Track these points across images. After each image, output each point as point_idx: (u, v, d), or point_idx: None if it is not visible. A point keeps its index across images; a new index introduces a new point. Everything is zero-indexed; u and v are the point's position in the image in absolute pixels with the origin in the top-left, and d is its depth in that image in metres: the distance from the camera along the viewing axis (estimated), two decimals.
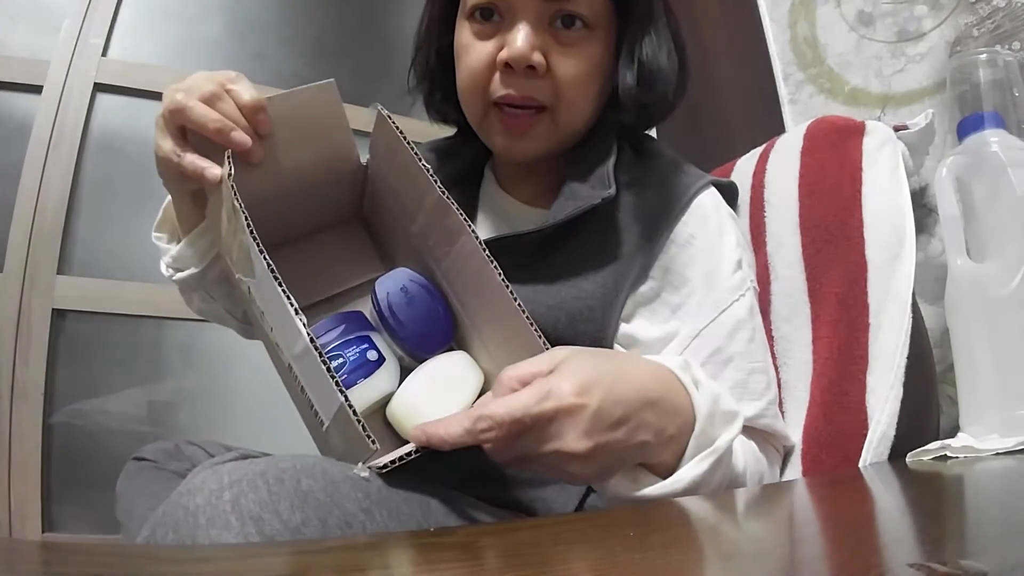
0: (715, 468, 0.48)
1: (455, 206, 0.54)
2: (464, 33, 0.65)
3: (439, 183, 0.55)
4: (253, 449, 0.69)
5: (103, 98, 1.41)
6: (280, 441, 0.60)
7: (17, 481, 1.21)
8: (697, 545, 0.36)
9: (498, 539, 0.37)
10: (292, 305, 0.44)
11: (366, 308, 0.65)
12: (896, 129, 0.77)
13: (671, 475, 0.47)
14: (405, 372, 0.59)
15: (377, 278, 0.62)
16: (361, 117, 1.62)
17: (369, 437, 0.42)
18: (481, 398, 0.50)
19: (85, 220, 1.37)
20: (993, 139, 0.70)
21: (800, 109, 1.13)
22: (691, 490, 0.47)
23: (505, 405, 0.41)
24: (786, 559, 0.31)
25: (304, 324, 0.44)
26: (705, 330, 0.60)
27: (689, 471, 0.47)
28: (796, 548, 0.34)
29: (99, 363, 1.36)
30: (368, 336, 0.60)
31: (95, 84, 1.38)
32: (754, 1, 1.21)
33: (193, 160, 0.52)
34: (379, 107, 0.58)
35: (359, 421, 0.42)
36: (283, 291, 0.44)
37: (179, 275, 0.65)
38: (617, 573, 0.27)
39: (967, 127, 0.73)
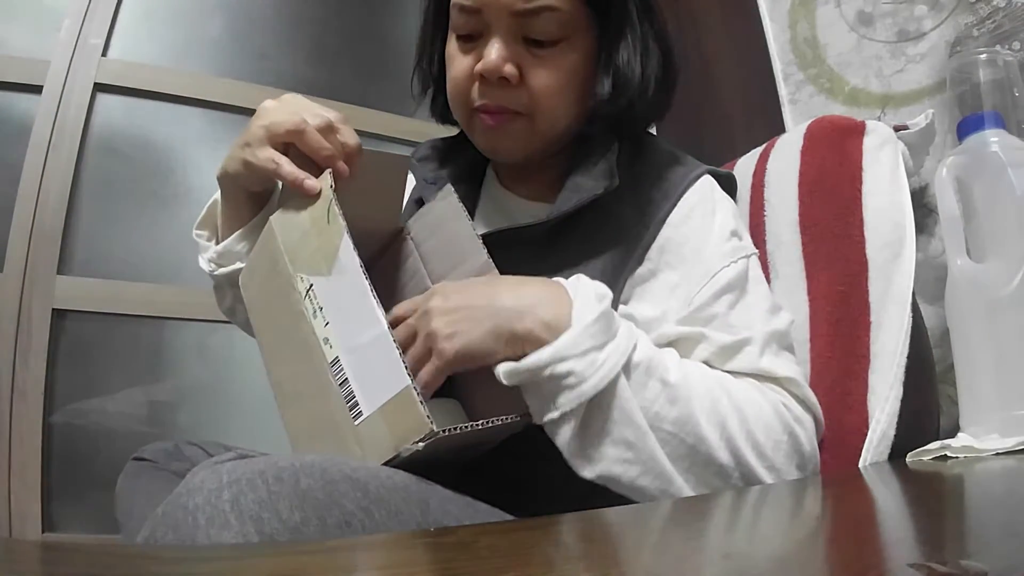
0: (608, 325, 0.51)
1: (495, 270, 0.59)
2: (451, 45, 0.67)
3: (488, 252, 0.60)
4: (252, 449, 0.69)
5: (103, 98, 1.40)
6: (280, 441, 0.60)
7: (17, 481, 1.21)
8: (697, 545, 0.36)
9: (498, 539, 0.37)
10: (375, 297, 0.49)
11: None
12: (896, 129, 0.77)
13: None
14: None
15: None
16: (361, 117, 1.63)
17: (428, 417, 0.45)
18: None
19: (85, 220, 1.37)
20: (993, 139, 0.70)
21: (800, 109, 1.13)
22: (588, 357, 0.50)
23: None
24: (786, 559, 0.31)
25: (383, 312, 0.49)
26: (696, 296, 0.60)
27: (579, 319, 0.51)
28: (796, 548, 0.34)
29: (99, 363, 1.36)
30: None
31: (95, 84, 1.38)
32: (754, 1, 1.21)
33: (295, 172, 0.58)
34: (451, 189, 0.65)
35: (422, 401, 0.46)
36: (370, 285, 0.50)
37: (222, 270, 0.68)
38: (617, 573, 0.27)
39: (967, 127, 0.73)
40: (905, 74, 0.97)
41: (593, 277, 0.62)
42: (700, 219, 0.64)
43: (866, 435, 0.62)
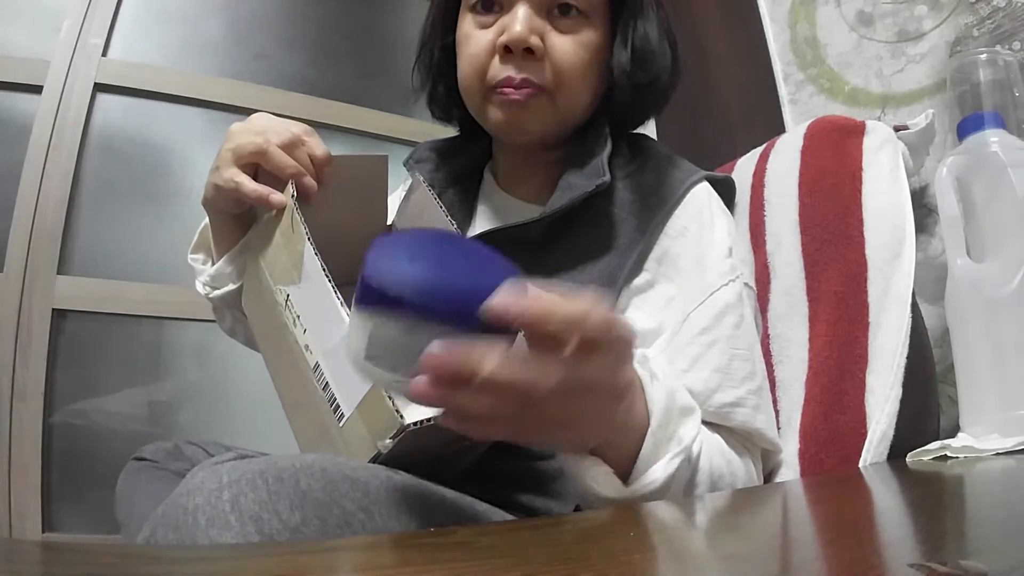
0: (683, 467, 0.48)
1: None
2: (466, 24, 0.68)
3: (457, 228, 0.61)
4: (252, 449, 0.69)
5: (103, 98, 1.40)
6: (280, 441, 0.60)
7: (17, 481, 1.21)
8: (697, 545, 0.36)
9: (498, 539, 0.37)
10: (338, 297, 0.49)
11: None
12: (896, 129, 0.77)
13: (633, 469, 0.46)
14: None
15: None
16: (362, 117, 1.63)
17: (398, 412, 0.44)
18: None
19: (85, 220, 1.37)
20: (993, 139, 0.70)
21: (800, 109, 1.13)
22: (661, 492, 0.46)
23: None
24: (786, 559, 0.31)
25: (347, 311, 0.48)
26: (694, 312, 0.60)
27: (662, 469, 0.46)
28: (796, 548, 0.34)
29: (99, 363, 1.36)
30: None
31: (95, 84, 1.38)
32: (754, 1, 1.21)
33: (257, 188, 0.59)
34: (419, 176, 0.65)
35: (389, 397, 0.45)
36: (332, 286, 0.50)
37: (216, 292, 0.70)
38: (617, 573, 0.27)
39: (967, 127, 0.73)
40: (905, 74, 0.97)
41: (590, 281, 0.62)
42: (697, 232, 0.64)
43: (863, 435, 0.62)
